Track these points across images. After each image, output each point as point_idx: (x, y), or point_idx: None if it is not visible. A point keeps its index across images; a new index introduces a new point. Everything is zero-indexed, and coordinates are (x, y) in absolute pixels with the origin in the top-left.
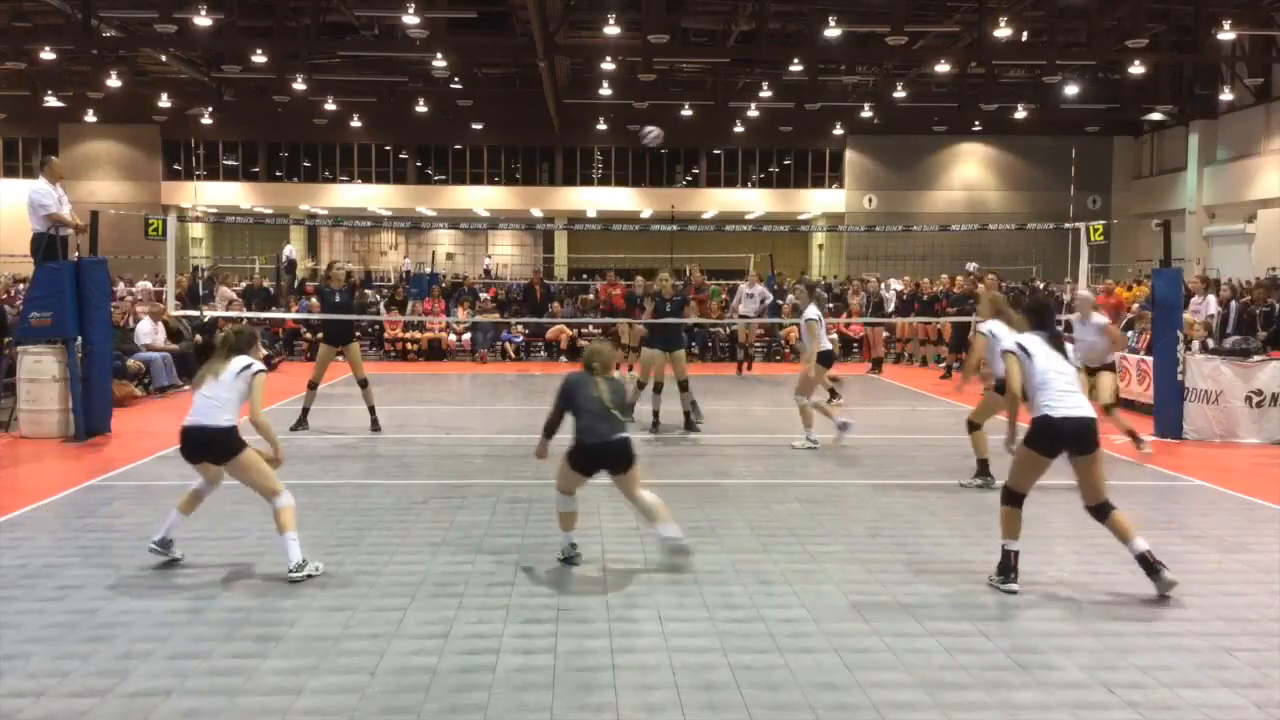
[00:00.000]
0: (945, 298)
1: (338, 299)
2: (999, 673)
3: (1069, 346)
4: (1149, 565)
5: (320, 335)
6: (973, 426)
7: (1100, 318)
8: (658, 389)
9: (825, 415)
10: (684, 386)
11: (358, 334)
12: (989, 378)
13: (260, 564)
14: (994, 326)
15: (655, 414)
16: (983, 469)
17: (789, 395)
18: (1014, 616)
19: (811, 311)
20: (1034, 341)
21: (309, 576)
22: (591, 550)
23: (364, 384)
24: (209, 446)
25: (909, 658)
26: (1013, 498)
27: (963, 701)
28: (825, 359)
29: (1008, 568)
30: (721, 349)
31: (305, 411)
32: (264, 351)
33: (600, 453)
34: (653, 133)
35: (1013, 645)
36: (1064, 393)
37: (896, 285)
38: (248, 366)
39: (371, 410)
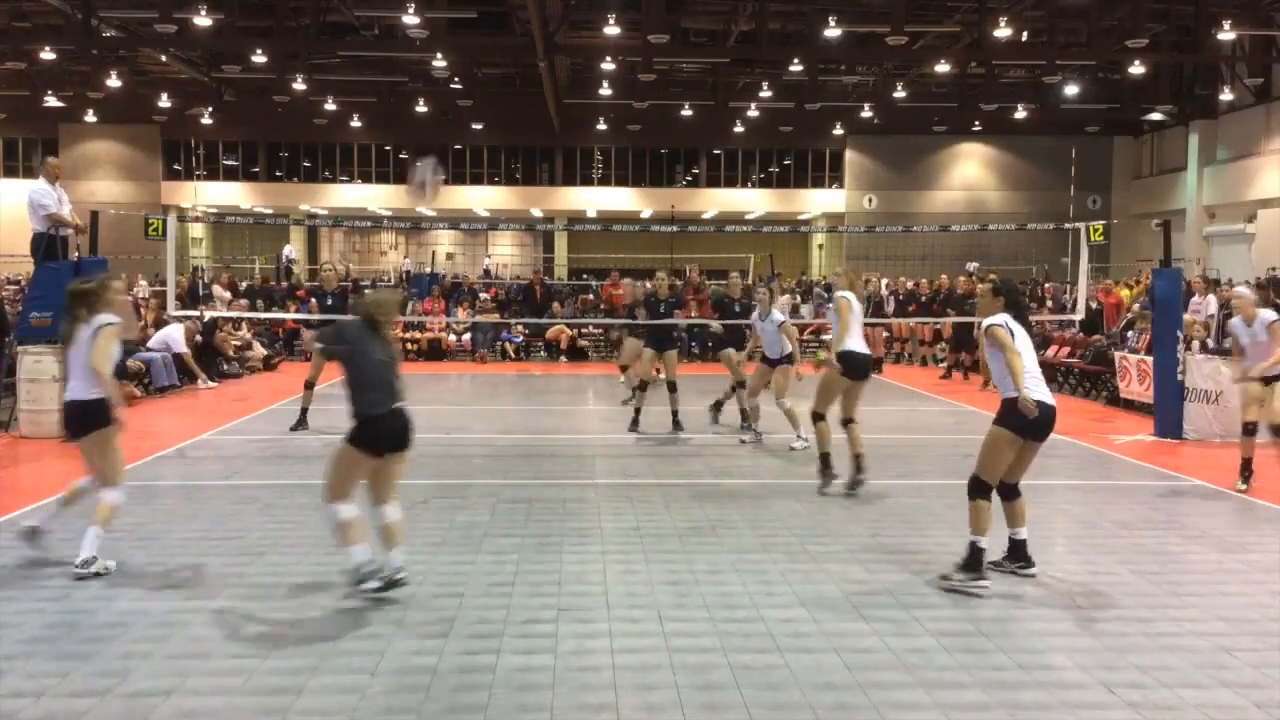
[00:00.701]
0: (941, 298)
1: (330, 301)
2: (999, 673)
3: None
4: (1020, 553)
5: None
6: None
7: (1269, 314)
8: (643, 387)
9: (756, 416)
10: (672, 388)
11: None
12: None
13: (260, 564)
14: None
15: (637, 412)
16: None
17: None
18: (1014, 617)
19: (777, 315)
20: (1014, 324)
21: (96, 575)
22: (591, 550)
23: (673, 387)
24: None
25: (909, 658)
26: (981, 489)
27: (963, 701)
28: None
29: (976, 564)
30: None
31: (304, 411)
32: (121, 300)
33: (387, 427)
34: (424, 178)
35: (1013, 645)
36: (1038, 379)
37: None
38: (105, 324)
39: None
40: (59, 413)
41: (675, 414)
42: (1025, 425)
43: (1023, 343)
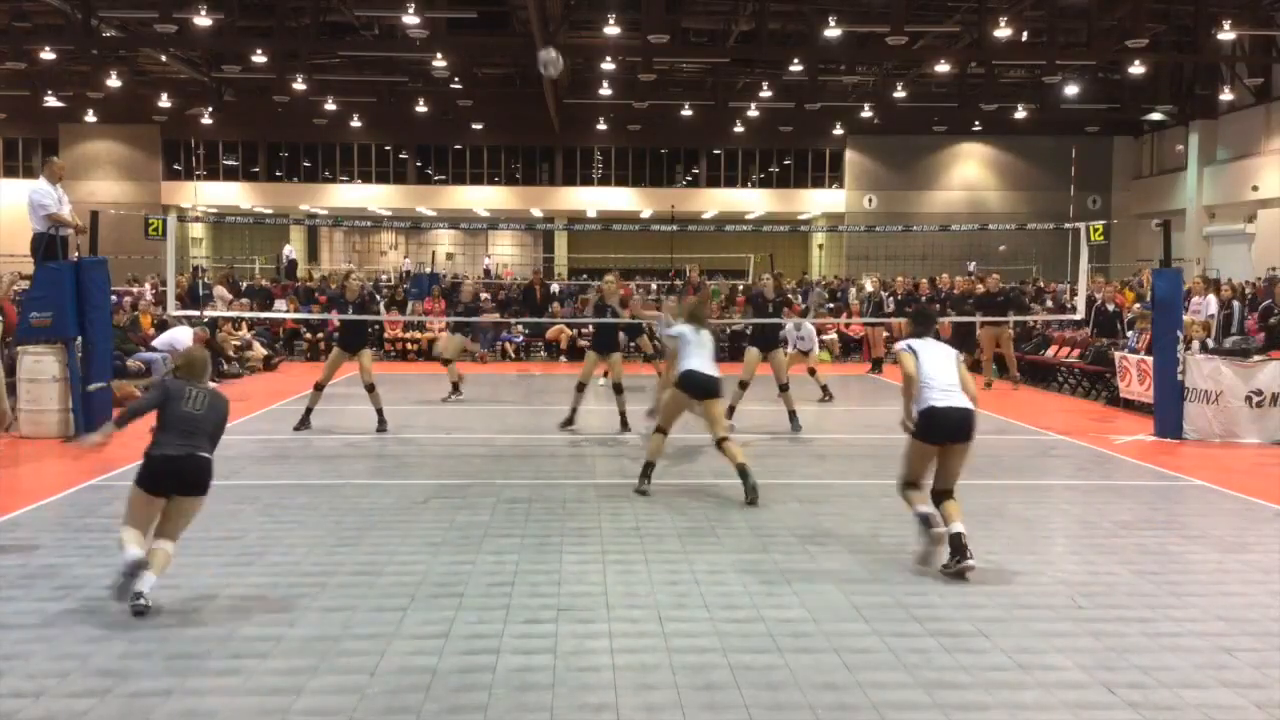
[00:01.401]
0: (941, 297)
1: (351, 311)
2: (999, 673)
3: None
4: (958, 546)
5: (335, 339)
6: None
7: None
8: (618, 390)
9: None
10: (618, 390)
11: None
12: None
13: (260, 564)
14: None
15: (622, 414)
16: None
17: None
18: (1014, 617)
19: (676, 329)
20: (919, 344)
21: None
22: (591, 550)
23: (370, 389)
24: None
25: (909, 658)
26: (907, 485)
27: (963, 701)
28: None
29: (923, 523)
30: (721, 349)
31: (309, 411)
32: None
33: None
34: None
35: (1013, 645)
36: (944, 390)
37: (868, 286)
38: None
39: (379, 412)
40: (59, 413)
41: (623, 415)
42: (928, 433)
43: (929, 357)
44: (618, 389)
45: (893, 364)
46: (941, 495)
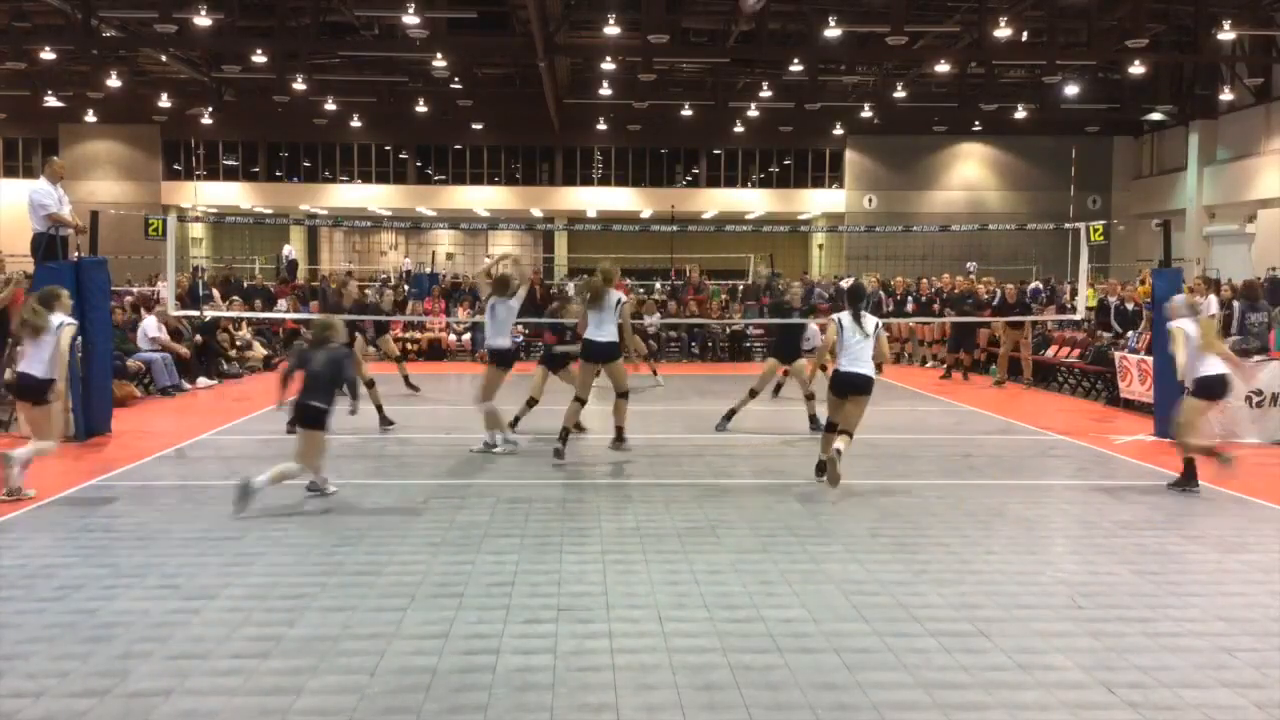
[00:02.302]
0: (942, 297)
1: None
2: (999, 673)
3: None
4: (831, 462)
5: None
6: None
7: None
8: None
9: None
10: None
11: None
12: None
13: (259, 564)
14: None
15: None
16: None
17: (786, 395)
18: (1014, 617)
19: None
20: (845, 317)
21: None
22: (591, 550)
23: (370, 384)
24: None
25: (909, 658)
26: (827, 427)
27: (963, 701)
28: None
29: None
30: (721, 349)
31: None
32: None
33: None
34: None
35: (1013, 645)
36: (852, 358)
37: (846, 283)
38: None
39: (379, 409)
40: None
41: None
42: (834, 389)
43: (849, 330)
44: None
45: (894, 363)
46: (843, 432)
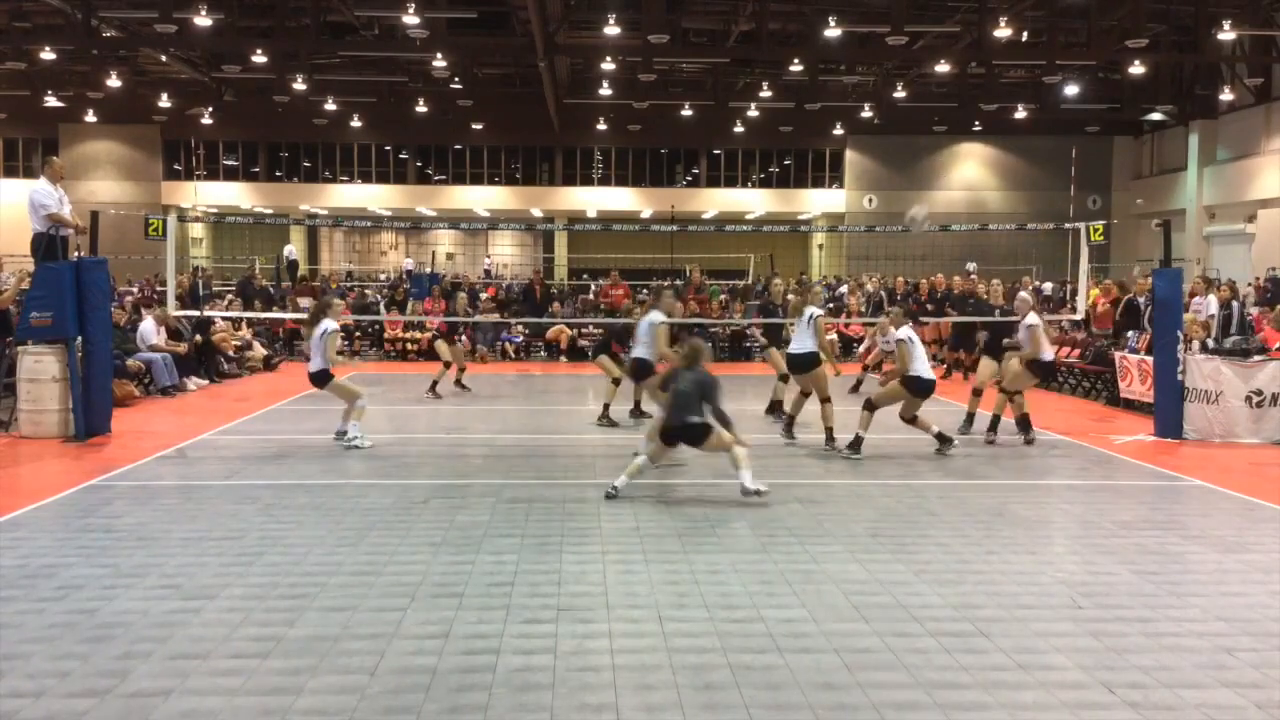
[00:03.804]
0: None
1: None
2: (999, 673)
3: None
4: (789, 419)
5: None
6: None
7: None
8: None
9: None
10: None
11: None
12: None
13: (260, 564)
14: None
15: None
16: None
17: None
18: (1014, 617)
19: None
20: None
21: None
22: (591, 550)
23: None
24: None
25: (909, 658)
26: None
27: (963, 701)
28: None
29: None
30: (721, 349)
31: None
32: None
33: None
34: (920, 215)
35: (1013, 645)
36: (792, 341)
37: (843, 288)
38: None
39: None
40: (59, 413)
41: (638, 402)
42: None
43: (799, 320)
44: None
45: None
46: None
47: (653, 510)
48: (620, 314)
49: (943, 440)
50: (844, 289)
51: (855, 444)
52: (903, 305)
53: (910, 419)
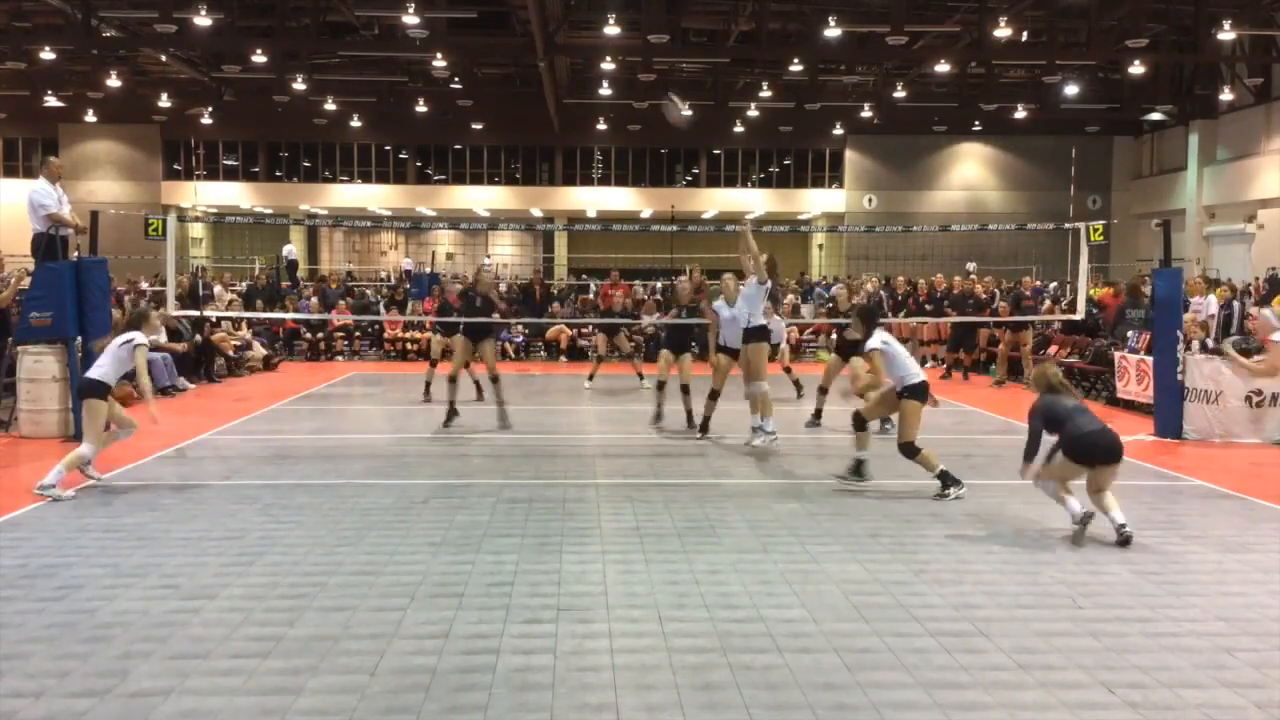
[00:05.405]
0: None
1: (478, 303)
2: (999, 673)
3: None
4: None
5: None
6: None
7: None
8: (685, 390)
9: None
10: (685, 390)
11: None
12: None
13: (260, 564)
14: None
15: (689, 413)
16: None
17: (782, 395)
18: (1014, 617)
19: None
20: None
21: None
22: (591, 549)
23: (495, 379)
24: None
25: (909, 658)
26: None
27: (963, 701)
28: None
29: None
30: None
31: (451, 404)
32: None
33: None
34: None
35: (1012, 645)
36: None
37: (837, 288)
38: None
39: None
40: (59, 413)
41: (689, 413)
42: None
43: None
44: (685, 389)
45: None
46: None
47: (653, 510)
48: (681, 307)
49: (946, 481)
50: (836, 288)
51: (857, 468)
52: (863, 314)
53: (911, 453)
